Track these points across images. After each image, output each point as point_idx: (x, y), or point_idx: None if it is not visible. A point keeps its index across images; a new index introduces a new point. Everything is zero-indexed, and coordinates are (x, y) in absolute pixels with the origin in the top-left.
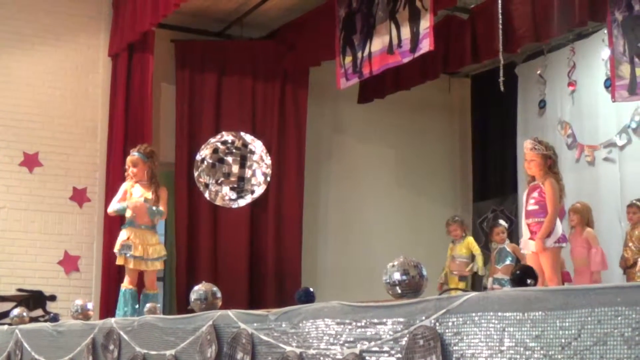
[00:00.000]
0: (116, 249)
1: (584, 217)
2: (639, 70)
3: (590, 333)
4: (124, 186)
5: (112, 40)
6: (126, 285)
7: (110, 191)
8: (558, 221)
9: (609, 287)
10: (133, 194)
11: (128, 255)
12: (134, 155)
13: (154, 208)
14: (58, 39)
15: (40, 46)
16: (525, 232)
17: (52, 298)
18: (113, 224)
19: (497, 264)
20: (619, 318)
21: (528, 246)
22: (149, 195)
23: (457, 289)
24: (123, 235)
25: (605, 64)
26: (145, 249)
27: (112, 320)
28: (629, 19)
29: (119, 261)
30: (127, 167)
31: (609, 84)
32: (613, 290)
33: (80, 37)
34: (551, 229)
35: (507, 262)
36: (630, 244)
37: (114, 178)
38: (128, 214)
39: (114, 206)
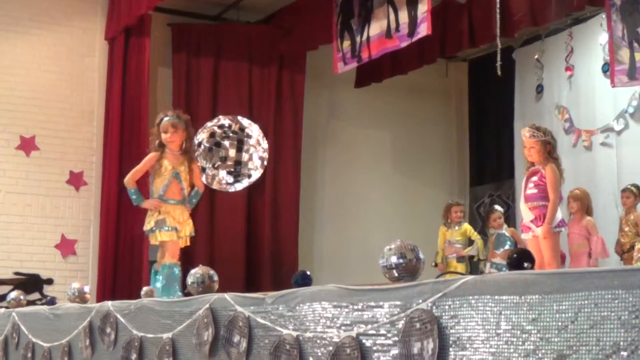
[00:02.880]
0: (147, 228)
1: (584, 205)
2: (638, 55)
3: (587, 316)
4: (151, 158)
5: (108, 23)
6: (169, 259)
7: (107, 174)
8: None
9: (606, 271)
10: (162, 168)
11: (166, 229)
12: (172, 118)
13: (193, 199)
14: (54, 22)
15: (36, 30)
16: (526, 215)
17: (49, 281)
18: (110, 207)
19: (496, 249)
20: (616, 301)
21: (530, 230)
22: (182, 169)
23: (455, 272)
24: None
25: (603, 49)
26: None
27: (109, 303)
28: (627, 3)
29: (155, 239)
30: (154, 133)
31: (607, 69)
32: (610, 274)
33: (77, 21)
34: (555, 213)
35: (507, 246)
36: (627, 229)
37: (111, 161)
38: (141, 204)
39: (130, 184)
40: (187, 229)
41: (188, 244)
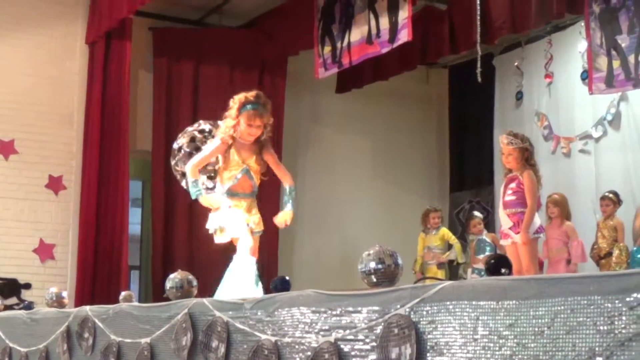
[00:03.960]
0: (214, 227)
1: (564, 210)
2: (616, 63)
3: (564, 322)
4: (219, 148)
5: (89, 27)
6: (250, 254)
7: (86, 179)
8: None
9: (582, 277)
10: (230, 160)
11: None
12: (258, 107)
13: (289, 200)
14: (35, 26)
15: (17, 33)
16: (504, 222)
17: (27, 286)
18: (89, 211)
19: (477, 254)
20: (592, 307)
21: (509, 237)
22: (252, 161)
23: (435, 277)
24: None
25: (582, 57)
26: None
27: (87, 308)
28: (606, 11)
29: (224, 238)
30: (230, 116)
31: (586, 76)
32: (586, 280)
33: (58, 24)
34: (532, 220)
35: (487, 252)
36: (606, 233)
37: (90, 166)
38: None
39: (193, 173)
40: (259, 227)
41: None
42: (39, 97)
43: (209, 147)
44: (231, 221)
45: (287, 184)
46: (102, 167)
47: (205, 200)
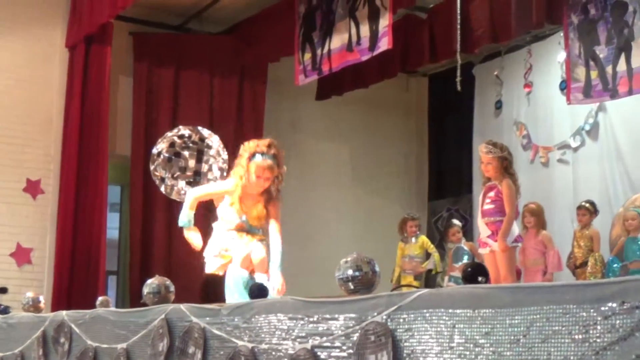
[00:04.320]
0: (216, 252)
1: (540, 219)
2: (594, 73)
3: (539, 330)
4: (227, 191)
5: (69, 31)
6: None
7: (64, 183)
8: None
9: (558, 286)
10: (231, 205)
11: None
12: (269, 158)
13: (279, 261)
14: (15, 29)
15: None
16: (483, 230)
17: (4, 290)
18: (67, 216)
19: (454, 263)
20: (567, 316)
21: (487, 245)
22: (254, 209)
23: (410, 285)
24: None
25: (561, 67)
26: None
27: (64, 313)
28: (584, 22)
29: (220, 261)
30: (241, 165)
31: (565, 86)
32: (561, 289)
33: (37, 28)
34: (510, 228)
35: (465, 260)
36: (582, 243)
37: (68, 170)
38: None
39: (192, 204)
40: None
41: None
42: (18, 100)
43: (218, 186)
44: (232, 243)
45: (276, 244)
46: (81, 171)
47: (187, 234)
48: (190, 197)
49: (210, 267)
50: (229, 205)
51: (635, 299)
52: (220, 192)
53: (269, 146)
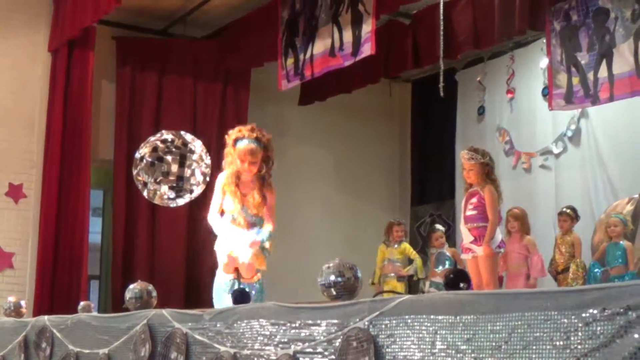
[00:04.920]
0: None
1: (524, 224)
2: (576, 80)
3: (520, 337)
4: (223, 185)
5: (52, 35)
6: (223, 275)
7: (46, 187)
8: None
9: (539, 292)
10: (240, 194)
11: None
12: (251, 143)
13: (264, 241)
14: None
15: None
16: (465, 236)
17: None
18: (49, 220)
19: (436, 268)
20: (549, 322)
21: (469, 251)
22: (250, 196)
23: (393, 291)
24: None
25: (543, 73)
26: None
27: (45, 318)
28: (566, 29)
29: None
30: (231, 155)
31: (547, 93)
32: (543, 295)
33: (20, 32)
34: (494, 233)
35: (447, 265)
36: (563, 249)
37: (51, 174)
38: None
39: (214, 223)
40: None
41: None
42: (0, 104)
43: (216, 190)
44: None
45: (266, 222)
46: (63, 175)
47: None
48: (212, 222)
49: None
50: (229, 195)
51: (615, 306)
52: (222, 192)
53: (252, 130)
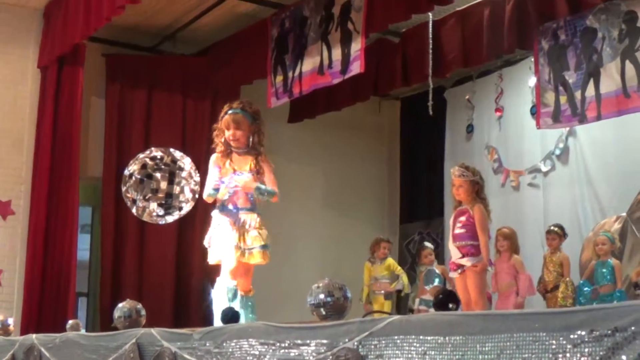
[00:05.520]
0: (207, 242)
1: (513, 243)
2: (563, 98)
3: (509, 358)
4: (215, 161)
5: (42, 51)
6: (227, 280)
7: (35, 204)
8: None
9: (528, 313)
10: (232, 169)
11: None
12: (235, 112)
13: (263, 187)
14: None
15: None
16: (454, 253)
17: None
18: (37, 237)
19: (426, 285)
20: (537, 343)
21: (459, 267)
22: (247, 169)
23: (381, 311)
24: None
25: (531, 91)
26: (243, 235)
27: (33, 336)
28: (554, 48)
29: (212, 258)
30: (219, 129)
31: (535, 111)
32: (531, 316)
33: (9, 48)
34: (489, 253)
35: (436, 283)
36: (551, 268)
37: (40, 191)
38: (222, 195)
39: (208, 190)
40: (258, 240)
41: (262, 260)
42: None
43: (210, 165)
44: (215, 241)
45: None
46: (52, 192)
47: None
48: (207, 197)
49: (211, 258)
50: (224, 171)
51: (603, 327)
52: (214, 164)
53: (239, 102)
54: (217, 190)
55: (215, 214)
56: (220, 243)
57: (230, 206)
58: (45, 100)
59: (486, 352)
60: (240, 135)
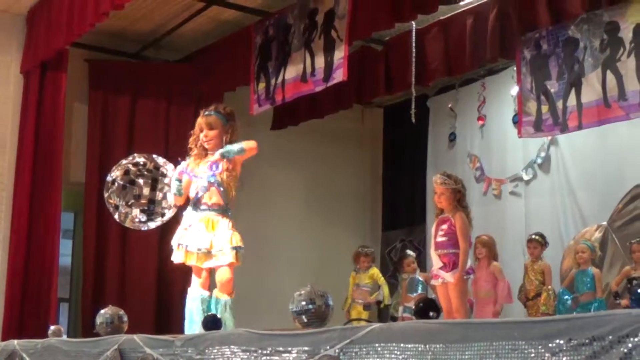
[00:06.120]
0: (175, 242)
1: (492, 251)
2: (545, 108)
3: None
4: (182, 166)
5: (24, 56)
6: (195, 288)
7: (17, 210)
8: None
9: (507, 322)
10: (198, 173)
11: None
12: (209, 114)
13: (228, 146)
14: None
15: None
16: (435, 262)
17: None
18: (19, 243)
19: (409, 293)
20: (516, 352)
21: (439, 277)
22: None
23: (360, 319)
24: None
25: (513, 100)
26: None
27: (15, 342)
28: (537, 57)
29: (177, 257)
30: (194, 133)
31: (517, 120)
32: (510, 325)
33: None
34: (467, 261)
35: (419, 290)
36: (532, 277)
37: (22, 197)
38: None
39: (173, 186)
40: (228, 241)
41: (235, 261)
42: None
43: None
44: (180, 243)
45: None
46: (34, 198)
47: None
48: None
49: (176, 257)
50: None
51: (581, 336)
52: (180, 169)
53: (215, 106)
54: (180, 181)
55: (186, 213)
56: (189, 245)
57: (203, 206)
58: (27, 105)
59: None
60: (213, 136)
